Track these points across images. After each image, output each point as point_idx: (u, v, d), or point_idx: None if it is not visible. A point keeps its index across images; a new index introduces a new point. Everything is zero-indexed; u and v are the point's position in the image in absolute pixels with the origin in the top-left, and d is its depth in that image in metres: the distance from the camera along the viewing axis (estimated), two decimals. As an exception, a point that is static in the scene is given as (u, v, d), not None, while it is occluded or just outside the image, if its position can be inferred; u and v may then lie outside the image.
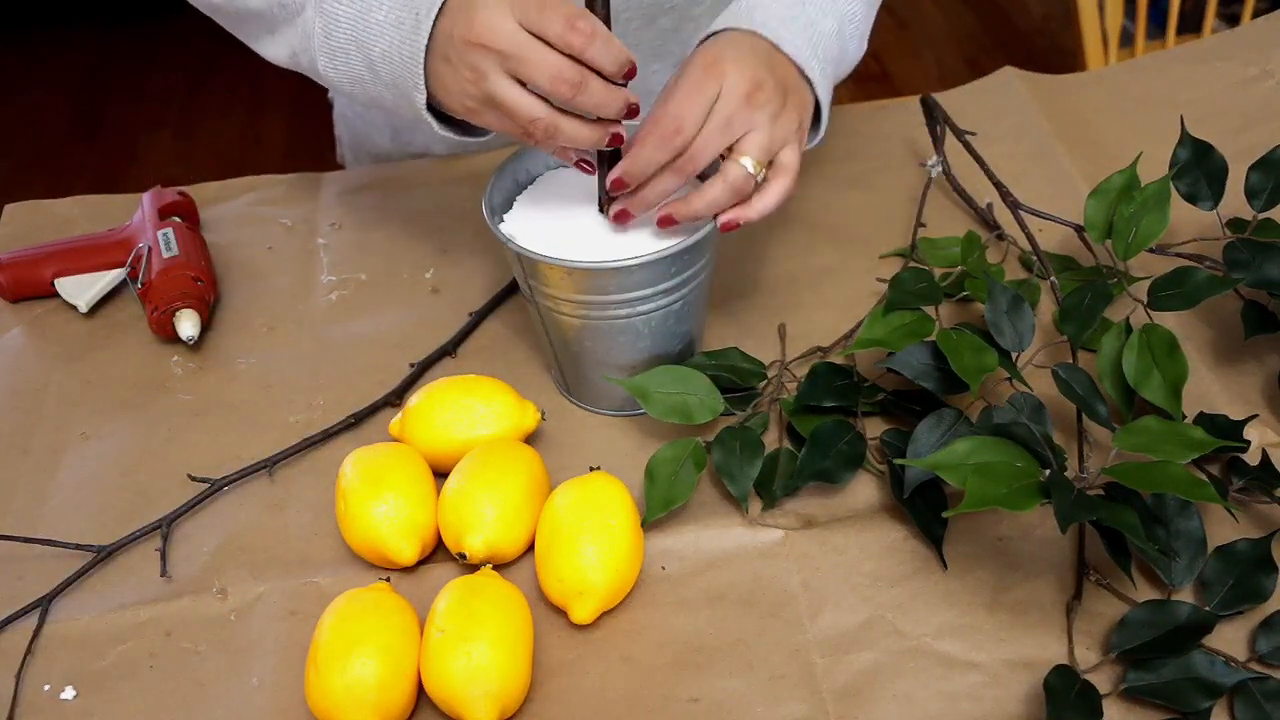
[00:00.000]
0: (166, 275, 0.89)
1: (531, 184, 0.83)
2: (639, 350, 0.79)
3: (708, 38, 0.75)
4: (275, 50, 0.82)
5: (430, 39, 0.71)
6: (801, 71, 0.75)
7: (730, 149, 0.72)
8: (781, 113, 0.72)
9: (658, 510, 0.73)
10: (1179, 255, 0.83)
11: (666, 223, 0.74)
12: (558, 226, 0.78)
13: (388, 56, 0.74)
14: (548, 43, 0.67)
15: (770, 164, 0.74)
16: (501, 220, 0.79)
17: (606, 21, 0.69)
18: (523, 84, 0.69)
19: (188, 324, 0.88)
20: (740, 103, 0.71)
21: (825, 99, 0.77)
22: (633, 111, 0.71)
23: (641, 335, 0.78)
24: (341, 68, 0.77)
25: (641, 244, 0.76)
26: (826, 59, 0.77)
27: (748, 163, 0.72)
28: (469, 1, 0.68)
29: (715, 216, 0.74)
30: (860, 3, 0.81)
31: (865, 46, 0.84)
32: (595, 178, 0.77)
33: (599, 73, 0.68)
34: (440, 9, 0.70)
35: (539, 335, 0.82)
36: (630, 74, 0.69)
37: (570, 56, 0.67)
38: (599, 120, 0.71)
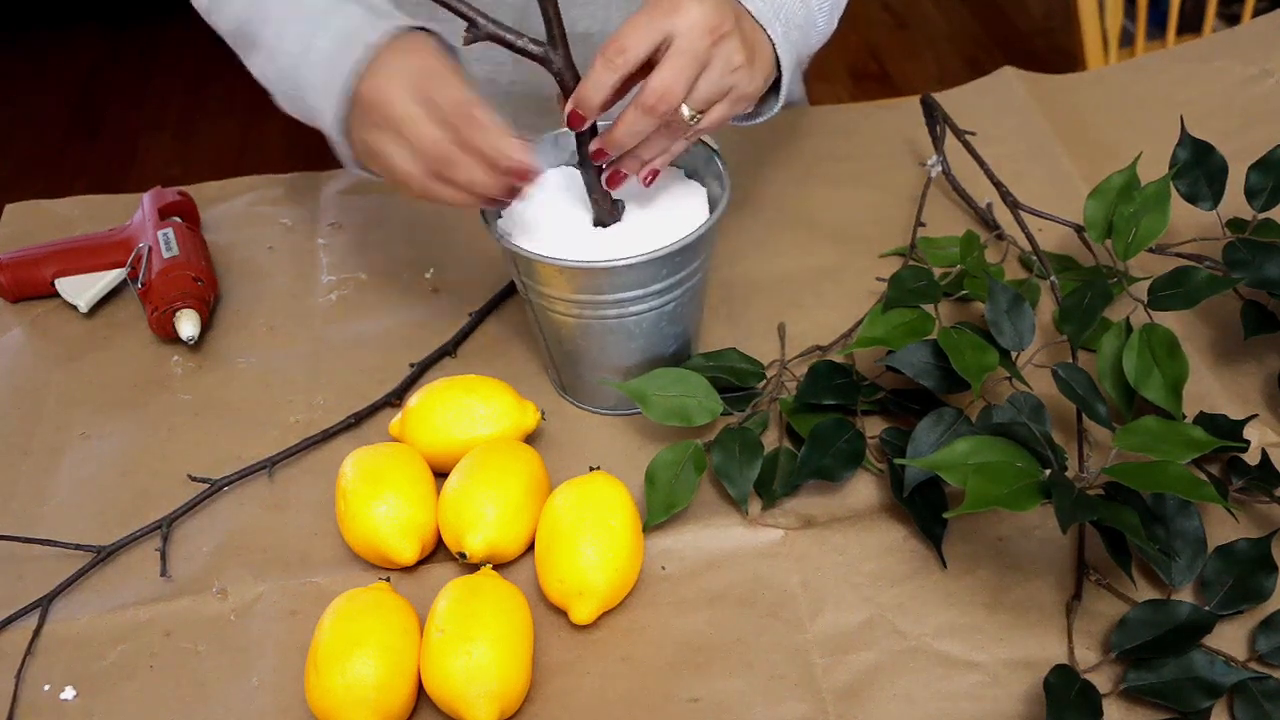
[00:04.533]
0: (166, 275, 0.89)
1: (530, 183, 0.83)
2: (631, 351, 0.79)
3: None
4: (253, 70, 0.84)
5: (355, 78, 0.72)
6: (764, 30, 0.74)
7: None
8: (742, 65, 0.70)
9: (659, 515, 0.73)
10: (1179, 255, 0.83)
11: (616, 180, 0.75)
12: (554, 226, 0.78)
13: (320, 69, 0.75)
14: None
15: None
16: (498, 218, 0.79)
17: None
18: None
19: (188, 324, 0.88)
20: (702, 36, 0.68)
21: (786, 61, 0.75)
22: (514, 191, 0.72)
23: (633, 336, 0.78)
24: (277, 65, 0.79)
25: (638, 245, 0.75)
26: (791, 23, 0.76)
27: (683, 108, 0.69)
28: (378, 68, 0.71)
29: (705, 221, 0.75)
30: None
31: (834, 25, 0.84)
32: (592, 177, 0.77)
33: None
34: (371, 60, 0.72)
35: (535, 334, 0.82)
36: (518, 174, 0.70)
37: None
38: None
